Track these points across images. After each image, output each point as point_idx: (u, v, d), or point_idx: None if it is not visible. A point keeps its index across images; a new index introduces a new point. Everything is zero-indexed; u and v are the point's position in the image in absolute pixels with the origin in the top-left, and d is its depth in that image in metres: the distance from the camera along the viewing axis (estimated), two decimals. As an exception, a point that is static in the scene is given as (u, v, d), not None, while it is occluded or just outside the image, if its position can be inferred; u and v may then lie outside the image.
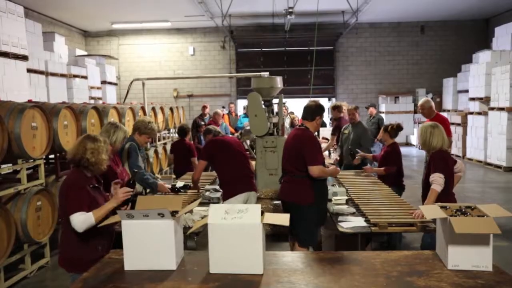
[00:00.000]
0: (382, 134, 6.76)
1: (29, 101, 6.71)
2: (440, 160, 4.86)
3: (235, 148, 5.74)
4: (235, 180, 5.53)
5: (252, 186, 5.69)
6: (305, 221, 4.82)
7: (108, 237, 3.79)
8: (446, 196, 4.69)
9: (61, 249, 3.77)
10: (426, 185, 5.04)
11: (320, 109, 5.04)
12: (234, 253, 2.88)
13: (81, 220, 3.47)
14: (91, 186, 3.68)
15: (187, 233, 4.31)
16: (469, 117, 15.52)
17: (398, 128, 6.58)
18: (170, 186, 5.85)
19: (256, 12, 17.65)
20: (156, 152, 11.28)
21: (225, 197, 5.48)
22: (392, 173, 6.35)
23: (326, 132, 11.65)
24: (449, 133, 7.32)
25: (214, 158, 5.70)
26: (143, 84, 10.16)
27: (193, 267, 3.01)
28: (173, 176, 7.75)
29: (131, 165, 5.41)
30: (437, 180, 4.73)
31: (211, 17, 17.40)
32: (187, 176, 7.60)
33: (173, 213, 2.97)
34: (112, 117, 8.47)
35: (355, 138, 8.13)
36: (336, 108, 9.46)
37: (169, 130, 13.26)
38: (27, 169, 6.20)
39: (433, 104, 7.36)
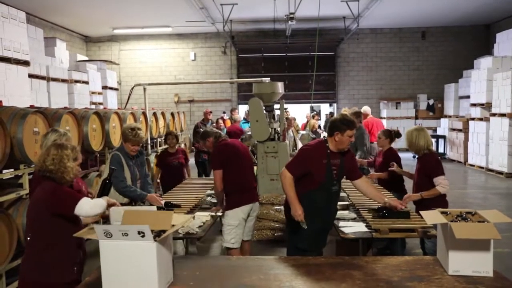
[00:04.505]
0: (382, 140, 6.56)
1: (31, 106, 6.73)
2: (437, 162, 5.18)
3: (245, 155, 5.41)
4: (243, 191, 5.21)
5: (257, 197, 5.47)
6: (290, 235, 4.62)
7: (83, 257, 3.40)
8: (442, 197, 5.09)
9: (25, 273, 3.27)
10: (418, 190, 5.20)
11: (342, 123, 4.29)
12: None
13: (93, 203, 3.17)
14: None
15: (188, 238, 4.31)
16: (471, 123, 15.51)
17: (398, 134, 6.58)
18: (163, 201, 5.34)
19: (257, 17, 17.68)
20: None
21: (229, 206, 5.19)
22: (394, 179, 6.27)
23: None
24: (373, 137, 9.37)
25: (225, 166, 5.12)
26: (144, 89, 10.18)
27: (195, 271, 3.02)
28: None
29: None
30: (443, 183, 5.03)
31: (212, 22, 17.45)
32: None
33: (160, 233, 2.73)
34: (114, 123, 8.48)
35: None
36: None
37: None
38: (29, 174, 6.21)
39: (365, 111, 10.09)
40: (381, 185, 6.31)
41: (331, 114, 18.29)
